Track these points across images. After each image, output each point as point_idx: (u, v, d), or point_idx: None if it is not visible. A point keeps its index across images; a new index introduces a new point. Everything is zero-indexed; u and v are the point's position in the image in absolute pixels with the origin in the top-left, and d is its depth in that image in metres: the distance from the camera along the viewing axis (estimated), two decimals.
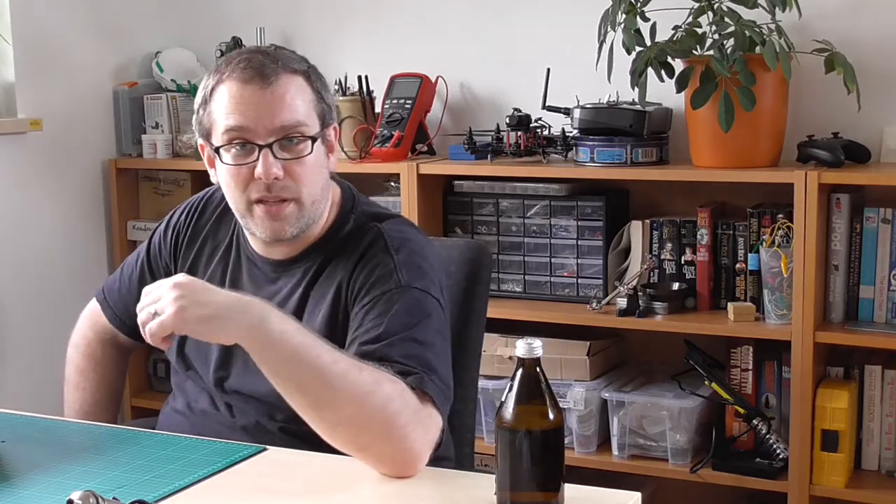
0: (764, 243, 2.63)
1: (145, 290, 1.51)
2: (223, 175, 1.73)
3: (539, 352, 1.34)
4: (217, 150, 1.70)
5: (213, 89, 1.70)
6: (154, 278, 1.90)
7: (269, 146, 1.66)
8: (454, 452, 1.85)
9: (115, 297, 1.98)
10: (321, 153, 1.73)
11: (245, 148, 1.68)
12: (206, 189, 1.97)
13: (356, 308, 1.67)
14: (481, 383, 2.80)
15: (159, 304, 1.46)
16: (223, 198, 1.88)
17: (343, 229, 1.78)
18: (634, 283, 2.77)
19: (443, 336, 1.68)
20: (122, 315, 1.96)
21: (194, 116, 1.76)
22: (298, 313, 1.71)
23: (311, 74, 1.73)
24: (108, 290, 2.00)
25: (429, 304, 1.67)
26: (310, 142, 1.69)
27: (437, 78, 3.10)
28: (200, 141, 1.77)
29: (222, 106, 1.68)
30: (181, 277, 1.50)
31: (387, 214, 1.82)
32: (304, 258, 1.77)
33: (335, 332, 1.67)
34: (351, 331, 1.66)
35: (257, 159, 1.67)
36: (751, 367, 2.71)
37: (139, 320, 1.50)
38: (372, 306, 1.65)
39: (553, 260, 2.90)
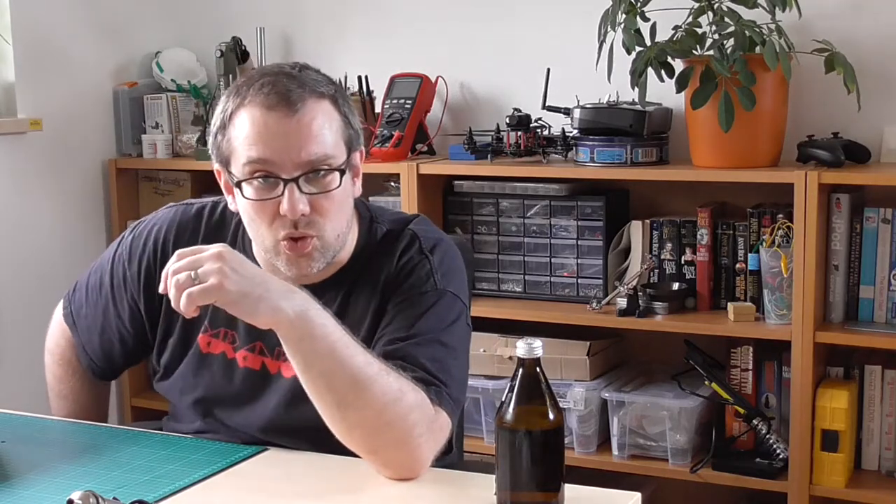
0: (764, 243, 2.63)
1: (179, 252, 1.44)
2: (245, 209, 1.63)
3: (539, 352, 1.34)
4: (238, 183, 1.60)
5: (232, 113, 1.59)
6: (117, 311, 1.82)
7: (295, 180, 1.56)
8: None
9: (83, 325, 1.86)
10: (348, 182, 1.63)
11: (268, 181, 1.57)
12: (164, 212, 1.86)
13: (390, 304, 1.66)
14: (481, 383, 2.82)
15: (201, 270, 1.40)
16: (198, 217, 1.80)
17: (369, 245, 1.73)
18: (634, 283, 2.77)
19: (465, 340, 1.69)
20: (87, 345, 1.86)
21: (210, 139, 1.65)
22: None
23: (339, 98, 1.62)
24: (76, 314, 1.87)
25: (458, 308, 1.67)
26: (338, 174, 1.59)
27: (437, 78, 3.10)
28: (217, 166, 1.66)
29: (244, 134, 1.57)
30: (223, 247, 1.43)
31: (409, 217, 1.79)
32: (333, 282, 1.70)
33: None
34: (381, 325, 1.65)
35: (282, 194, 1.56)
36: (751, 367, 2.71)
37: (172, 283, 1.41)
38: (406, 305, 1.64)
39: (553, 260, 2.90)
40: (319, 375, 1.47)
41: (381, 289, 1.68)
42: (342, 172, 1.59)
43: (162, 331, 1.80)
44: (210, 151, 1.68)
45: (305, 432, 1.63)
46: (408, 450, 1.50)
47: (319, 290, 1.64)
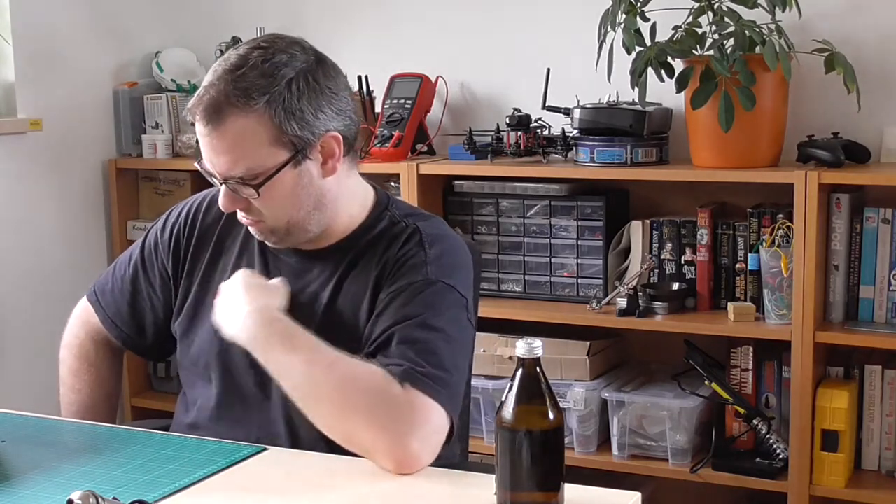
0: (764, 243, 2.63)
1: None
2: None
3: (539, 352, 1.34)
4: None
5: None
6: (148, 279, 1.90)
7: (227, 182, 1.67)
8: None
9: (108, 300, 1.94)
10: (291, 178, 1.66)
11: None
12: (211, 188, 1.93)
13: (383, 294, 1.69)
14: (481, 383, 2.82)
15: None
16: None
17: (376, 226, 1.77)
18: (634, 283, 2.77)
19: (460, 326, 1.69)
20: (115, 317, 1.93)
21: None
22: (331, 304, 1.73)
23: (273, 104, 1.62)
24: (99, 292, 1.96)
25: (451, 298, 1.69)
26: (253, 189, 1.65)
27: (437, 78, 3.10)
28: None
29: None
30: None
31: (425, 214, 1.83)
32: (333, 251, 1.76)
33: None
34: (374, 314, 1.68)
35: None
36: (751, 367, 2.71)
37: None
38: (396, 295, 1.67)
39: (553, 260, 2.90)
40: (279, 378, 1.61)
41: (377, 276, 1.72)
42: (258, 186, 1.65)
43: (182, 294, 1.87)
44: None
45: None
46: (378, 431, 1.52)
47: (313, 258, 1.76)
